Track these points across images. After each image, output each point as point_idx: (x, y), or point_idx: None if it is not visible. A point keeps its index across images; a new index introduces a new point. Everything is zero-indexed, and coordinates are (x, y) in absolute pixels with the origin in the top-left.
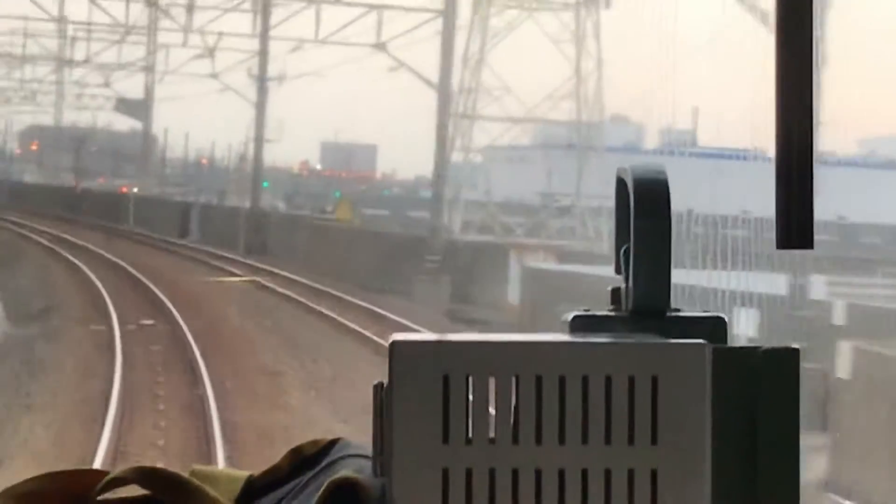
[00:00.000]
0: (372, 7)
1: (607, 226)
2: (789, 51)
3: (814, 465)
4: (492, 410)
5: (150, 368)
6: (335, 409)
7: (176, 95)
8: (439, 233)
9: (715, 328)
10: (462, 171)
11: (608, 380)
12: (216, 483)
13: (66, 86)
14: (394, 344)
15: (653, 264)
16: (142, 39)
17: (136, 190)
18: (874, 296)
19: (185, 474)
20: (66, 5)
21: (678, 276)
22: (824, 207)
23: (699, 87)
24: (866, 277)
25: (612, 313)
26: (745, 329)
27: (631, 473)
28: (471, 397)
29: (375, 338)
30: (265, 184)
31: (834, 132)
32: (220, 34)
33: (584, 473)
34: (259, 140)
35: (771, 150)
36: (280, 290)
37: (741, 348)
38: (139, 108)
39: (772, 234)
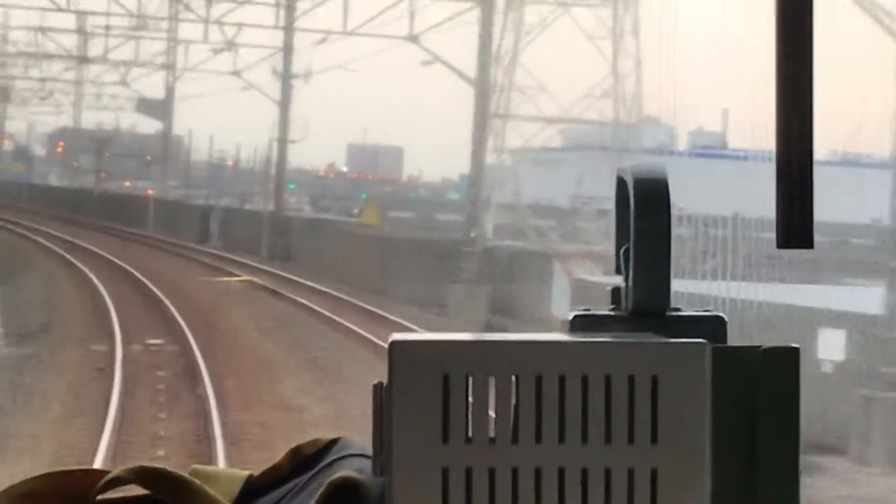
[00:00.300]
0: None
1: None
2: (789, 51)
3: None
4: (492, 410)
5: (152, 401)
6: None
7: (197, 94)
8: (477, 240)
9: (715, 328)
10: (494, 174)
11: (608, 379)
12: (216, 483)
13: (85, 85)
14: (393, 344)
15: (653, 264)
16: (160, 35)
17: (151, 192)
18: None
19: (185, 474)
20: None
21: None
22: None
23: (728, 88)
24: None
25: (612, 313)
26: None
27: (631, 473)
28: (470, 397)
29: None
30: (291, 186)
31: None
32: (240, 25)
33: (584, 473)
34: (283, 141)
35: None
36: (300, 299)
37: (741, 348)
38: (160, 108)
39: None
